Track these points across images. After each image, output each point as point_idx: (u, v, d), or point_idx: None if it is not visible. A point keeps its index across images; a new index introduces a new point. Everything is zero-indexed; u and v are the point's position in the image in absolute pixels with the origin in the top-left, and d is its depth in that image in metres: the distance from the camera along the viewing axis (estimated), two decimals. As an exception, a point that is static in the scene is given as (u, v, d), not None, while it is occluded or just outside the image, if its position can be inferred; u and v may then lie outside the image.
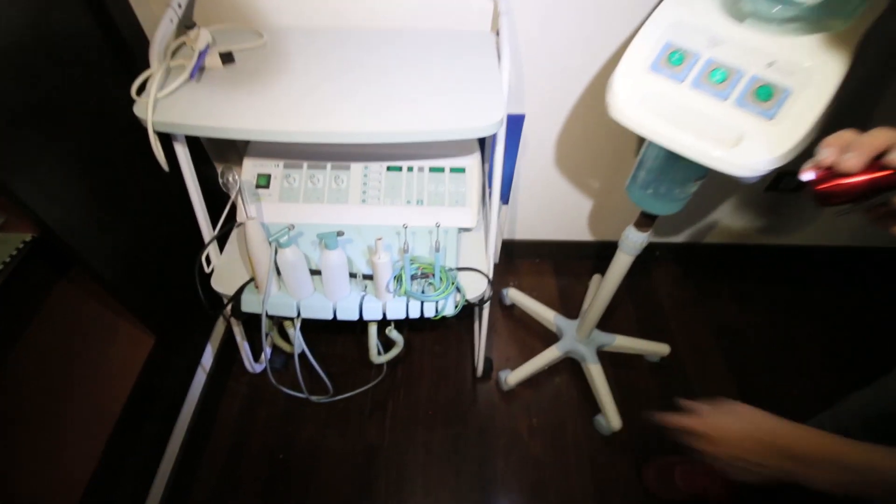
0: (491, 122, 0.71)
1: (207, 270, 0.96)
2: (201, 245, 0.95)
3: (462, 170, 0.96)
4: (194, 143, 1.03)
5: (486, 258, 0.96)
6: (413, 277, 0.87)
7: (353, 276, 0.89)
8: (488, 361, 1.26)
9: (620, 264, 0.98)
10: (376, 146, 0.98)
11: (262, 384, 1.26)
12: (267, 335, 1.13)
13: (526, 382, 1.27)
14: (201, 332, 1.19)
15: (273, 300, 0.87)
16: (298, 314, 0.87)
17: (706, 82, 0.59)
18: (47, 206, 0.71)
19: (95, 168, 0.81)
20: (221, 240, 1.01)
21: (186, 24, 0.83)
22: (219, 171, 0.74)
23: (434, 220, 0.92)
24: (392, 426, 1.20)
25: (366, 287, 0.88)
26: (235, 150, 1.14)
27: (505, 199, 1.30)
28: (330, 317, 0.86)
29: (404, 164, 0.96)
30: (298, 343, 0.96)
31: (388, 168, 0.96)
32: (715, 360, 1.36)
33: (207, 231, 0.95)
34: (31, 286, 0.95)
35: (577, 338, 1.27)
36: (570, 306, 1.45)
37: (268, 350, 1.26)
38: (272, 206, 0.94)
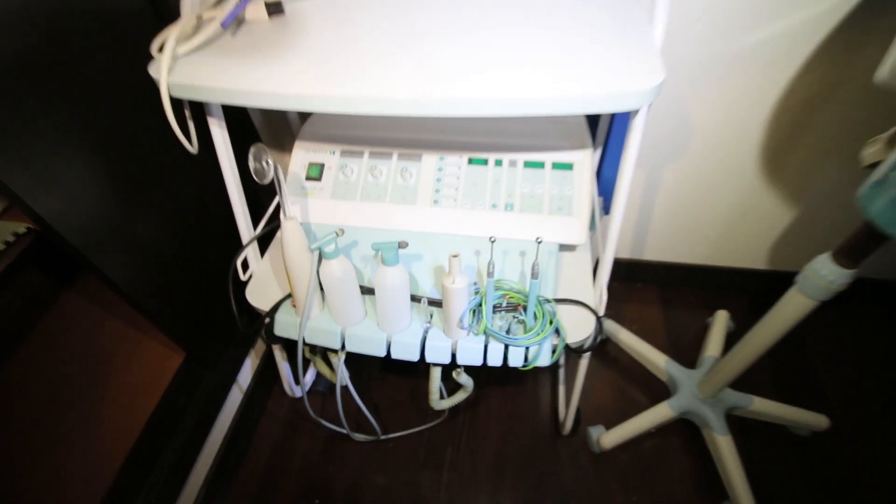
0: (646, 88, 0.46)
1: (244, 278, 0.79)
2: (239, 247, 0.78)
3: (569, 166, 0.71)
4: (242, 122, 0.87)
5: (594, 288, 0.71)
6: (496, 309, 0.64)
7: (415, 299, 0.67)
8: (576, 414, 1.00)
9: (794, 309, 0.68)
10: (456, 131, 0.76)
11: (305, 410, 1.09)
12: (308, 360, 0.94)
13: (626, 447, 0.98)
14: (240, 346, 1.04)
15: (313, 325, 0.67)
16: (343, 346, 0.66)
17: None
18: (43, 193, 0.56)
19: (111, 147, 0.65)
20: (264, 242, 0.84)
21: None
22: (250, 152, 0.55)
23: (528, 232, 0.68)
24: (450, 479, 0.98)
25: (431, 317, 0.66)
26: (291, 135, 0.97)
27: (605, 207, 1.04)
28: (382, 353, 0.65)
29: (491, 156, 0.73)
30: (342, 376, 0.76)
31: (470, 161, 0.73)
32: (888, 438, 1.00)
33: (246, 230, 0.78)
34: (29, 293, 0.83)
35: (699, 395, 0.97)
36: (681, 348, 1.15)
37: (311, 373, 1.08)
38: (322, 204, 0.75)
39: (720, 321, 1.12)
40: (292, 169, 0.78)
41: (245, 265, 0.80)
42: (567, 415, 0.90)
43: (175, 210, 0.78)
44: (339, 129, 0.79)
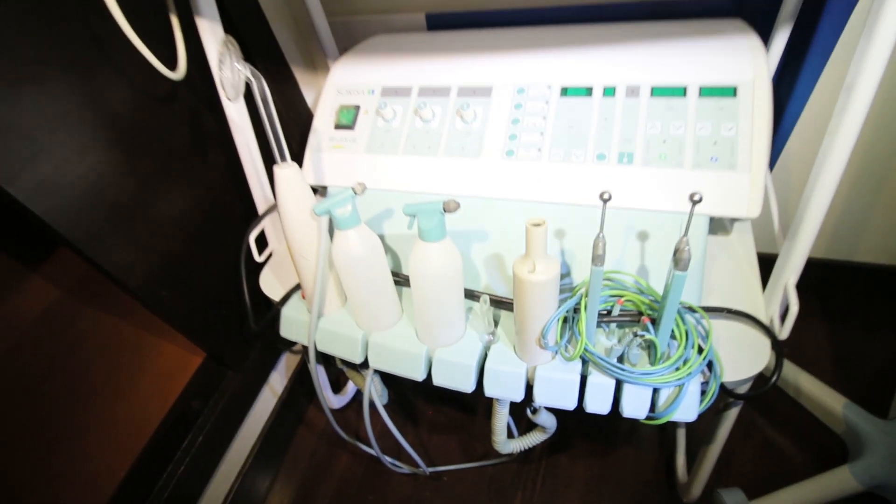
0: None
1: (260, 258, 0.61)
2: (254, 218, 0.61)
3: (730, 91, 0.44)
4: (262, 47, 0.69)
5: (764, 294, 0.43)
6: (602, 318, 0.39)
7: (473, 297, 0.44)
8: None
9: None
10: (543, 46, 0.52)
11: (348, 422, 0.91)
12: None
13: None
14: (272, 343, 0.88)
15: (326, 327, 0.47)
16: (366, 362, 0.46)
17: None
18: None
19: (91, 89, 0.50)
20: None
21: None
22: (217, 51, 0.35)
23: (658, 198, 0.43)
24: (520, 536, 0.74)
25: (496, 326, 0.43)
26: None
27: (772, 161, 0.72)
28: (418, 376, 0.43)
29: (598, 81, 0.48)
30: (372, 394, 0.55)
31: (565, 91, 0.49)
32: None
33: (262, 196, 0.61)
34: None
35: (904, 462, 0.63)
36: (858, 386, 0.80)
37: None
38: (354, 160, 0.55)
39: (932, 351, 0.76)
40: (319, 115, 0.58)
41: (264, 242, 0.63)
42: (695, 478, 0.62)
43: (182, 171, 0.62)
44: (384, 62, 0.58)
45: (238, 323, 0.75)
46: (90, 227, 0.51)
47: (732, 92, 0.43)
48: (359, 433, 0.88)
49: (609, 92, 0.47)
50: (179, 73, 0.46)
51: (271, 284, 0.59)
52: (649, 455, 0.77)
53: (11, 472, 0.65)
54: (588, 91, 0.48)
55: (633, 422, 0.82)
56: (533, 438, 0.57)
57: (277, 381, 0.87)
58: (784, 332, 0.40)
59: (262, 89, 0.36)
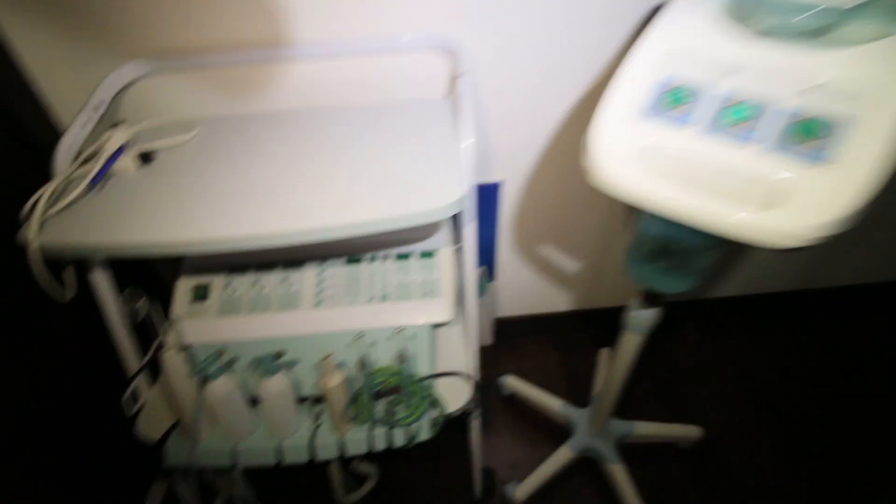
0: (446, 203, 0.59)
1: (132, 411, 0.78)
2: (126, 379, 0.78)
3: (430, 254, 0.83)
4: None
5: (468, 356, 0.80)
6: (378, 395, 0.70)
7: (303, 400, 0.72)
8: (488, 476, 1.05)
9: (629, 346, 0.82)
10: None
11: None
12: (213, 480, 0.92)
13: (538, 495, 1.05)
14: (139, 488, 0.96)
15: (205, 446, 0.69)
16: (235, 465, 0.69)
17: (722, 123, 0.47)
18: None
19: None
20: (156, 367, 0.85)
21: (114, 123, 0.73)
22: (124, 294, 0.60)
23: (404, 318, 0.78)
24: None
25: (319, 414, 0.71)
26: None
27: (490, 274, 1.17)
28: (272, 462, 0.68)
29: (366, 255, 0.83)
30: (242, 491, 0.77)
31: (348, 261, 0.83)
32: (759, 437, 1.15)
33: (134, 362, 0.79)
34: None
35: (591, 431, 1.07)
36: (578, 389, 1.26)
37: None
38: (209, 323, 0.80)
39: (603, 359, 1.26)
40: (178, 294, 0.82)
41: (135, 397, 0.79)
42: (475, 476, 0.96)
43: (52, 351, 0.77)
44: (223, 254, 0.85)
45: (114, 472, 0.86)
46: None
47: (432, 255, 0.83)
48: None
49: (372, 260, 0.83)
50: (62, 299, 0.67)
51: (149, 428, 0.76)
52: (464, 476, 1.08)
53: None
54: (359, 260, 0.83)
55: (449, 452, 1.12)
56: (365, 489, 0.84)
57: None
58: (477, 378, 0.76)
59: (149, 314, 0.61)
